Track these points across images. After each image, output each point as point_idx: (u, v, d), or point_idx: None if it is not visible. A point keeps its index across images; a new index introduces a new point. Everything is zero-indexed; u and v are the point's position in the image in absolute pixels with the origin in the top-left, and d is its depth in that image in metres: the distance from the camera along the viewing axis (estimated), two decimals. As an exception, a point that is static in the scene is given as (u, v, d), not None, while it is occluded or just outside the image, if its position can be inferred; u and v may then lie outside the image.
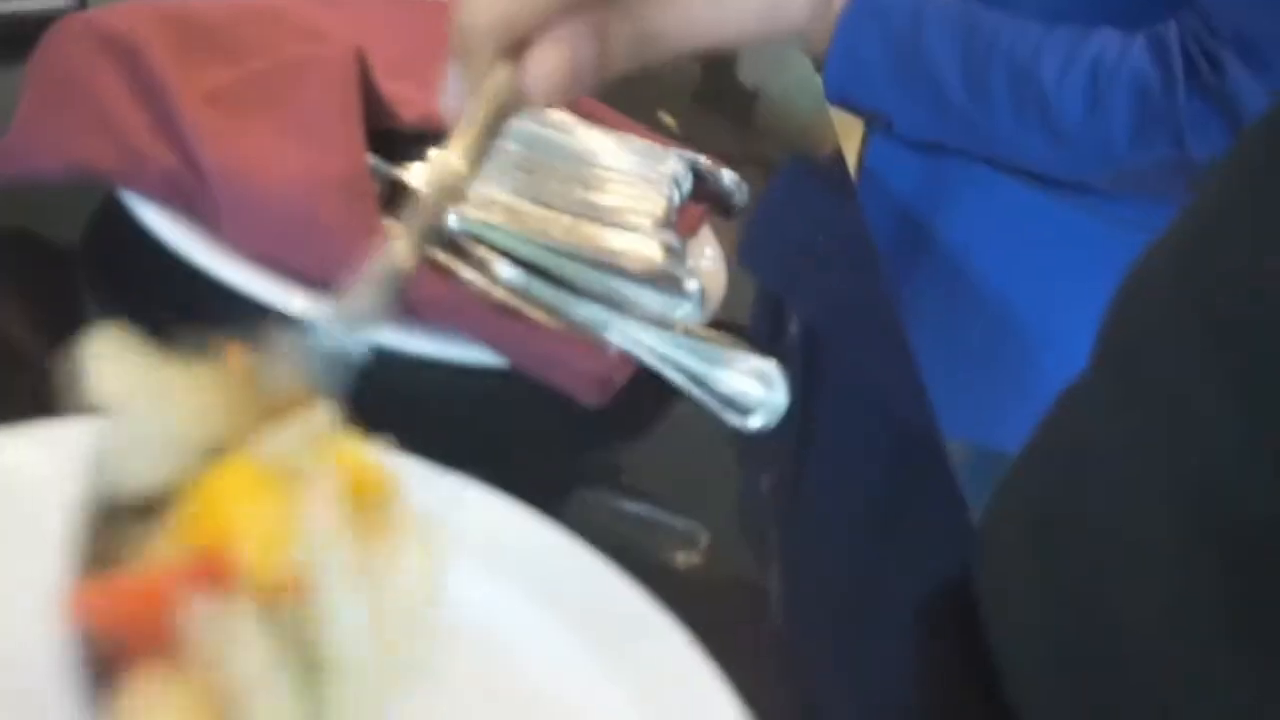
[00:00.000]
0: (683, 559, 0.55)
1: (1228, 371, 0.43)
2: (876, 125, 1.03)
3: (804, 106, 1.16)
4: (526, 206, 0.60)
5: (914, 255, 0.99)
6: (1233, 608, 0.42)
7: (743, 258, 0.81)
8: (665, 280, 0.55)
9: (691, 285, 0.55)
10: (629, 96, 1.24)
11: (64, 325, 0.39)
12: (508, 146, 0.65)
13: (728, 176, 0.75)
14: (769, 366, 0.51)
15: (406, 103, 0.63)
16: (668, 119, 1.15)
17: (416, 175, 0.58)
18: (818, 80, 1.00)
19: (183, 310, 0.50)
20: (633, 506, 0.58)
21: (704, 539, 0.56)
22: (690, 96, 1.25)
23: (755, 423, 0.51)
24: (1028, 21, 0.88)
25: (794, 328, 0.88)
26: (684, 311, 0.55)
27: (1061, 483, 0.53)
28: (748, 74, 1.28)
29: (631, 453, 0.61)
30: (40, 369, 0.39)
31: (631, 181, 0.67)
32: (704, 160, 0.75)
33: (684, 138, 0.91)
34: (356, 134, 0.53)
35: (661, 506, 0.57)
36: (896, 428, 0.78)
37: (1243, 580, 0.41)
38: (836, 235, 0.95)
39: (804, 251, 0.90)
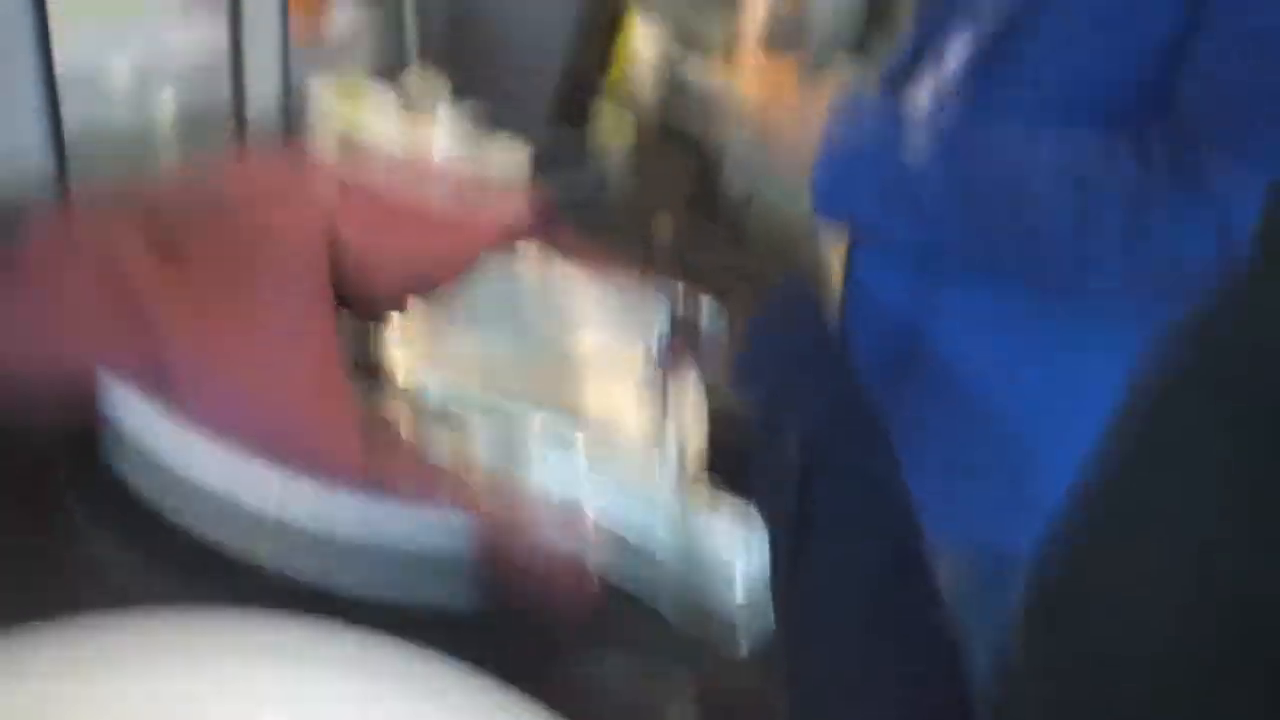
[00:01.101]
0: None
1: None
2: (861, 236, 1.03)
3: (794, 215, 1.16)
4: (504, 364, 0.60)
5: (904, 365, 0.98)
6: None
7: (731, 379, 0.81)
8: (646, 442, 0.55)
9: (671, 450, 0.55)
10: (626, 202, 1.26)
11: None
12: (485, 295, 0.65)
13: (707, 308, 0.75)
14: (749, 534, 0.51)
15: (383, 263, 0.63)
16: (662, 227, 1.15)
17: (390, 332, 0.59)
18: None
19: (157, 508, 0.50)
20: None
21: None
22: (686, 202, 1.27)
23: (737, 597, 0.51)
24: (1010, 128, 0.88)
25: (784, 445, 0.88)
26: (665, 471, 0.54)
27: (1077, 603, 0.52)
28: (738, 182, 1.29)
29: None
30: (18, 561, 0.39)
31: (611, 326, 0.68)
32: (683, 293, 0.75)
33: (674, 250, 0.92)
34: (326, 319, 0.54)
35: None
36: (887, 538, 0.77)
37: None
38: (823, 353, 0.95)
39: (791, 371, 0.90)
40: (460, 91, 1.31)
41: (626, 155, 1.51)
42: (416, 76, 1.27)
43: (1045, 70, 0.93)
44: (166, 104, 1.00)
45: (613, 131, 1.72)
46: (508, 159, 1.24)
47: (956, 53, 0.96)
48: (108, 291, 0.52)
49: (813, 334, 0.96)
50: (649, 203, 1.38)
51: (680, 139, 1.52)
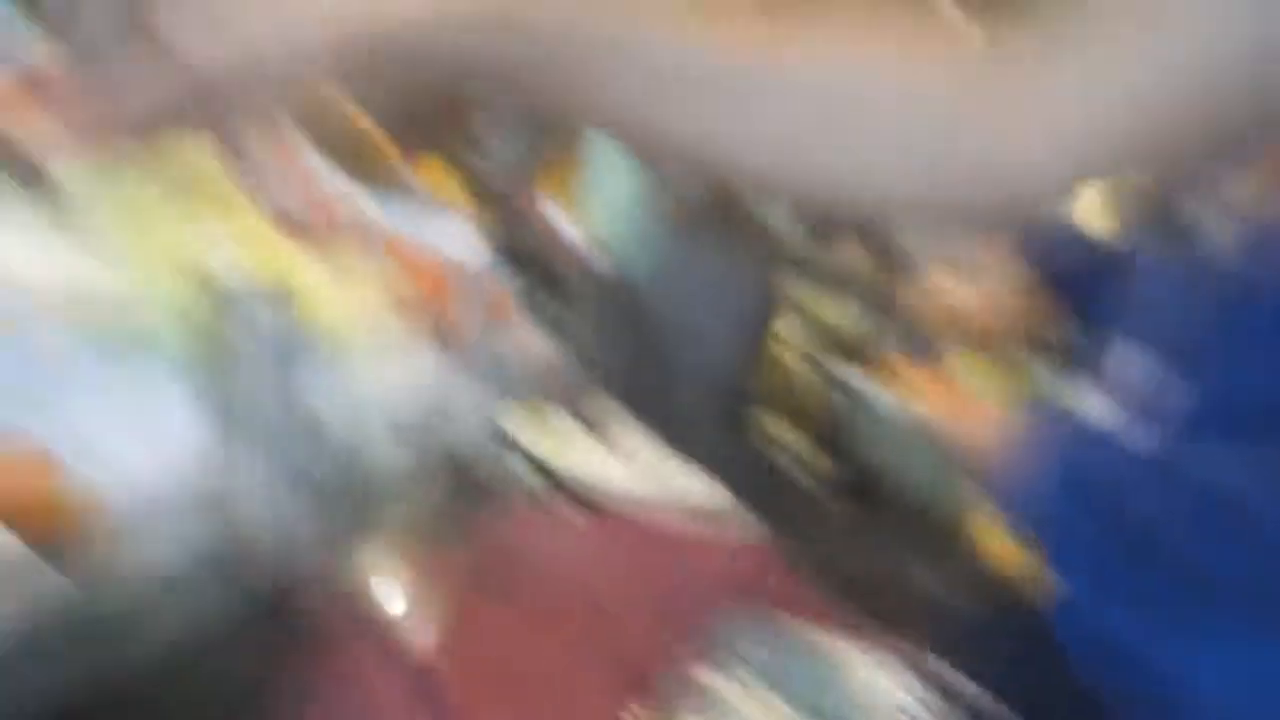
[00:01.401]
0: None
1: None
2: (1073, 565, 1.01)
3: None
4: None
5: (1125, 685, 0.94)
6: None
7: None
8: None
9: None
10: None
11: None
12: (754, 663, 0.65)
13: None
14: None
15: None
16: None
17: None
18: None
19: None
20: None
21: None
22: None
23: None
24: (1213, 449, 0.87)
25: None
26: None
27: None
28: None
29: None
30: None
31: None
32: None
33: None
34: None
35: None
36: None
37: None
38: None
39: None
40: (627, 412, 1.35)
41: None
42: (594, 402, 1.32)
43: (1238, 389, 0.93)
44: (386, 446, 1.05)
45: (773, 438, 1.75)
46: (701, 489, 1.26)
47: (1132, 363, 0.97)
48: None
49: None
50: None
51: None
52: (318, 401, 0.74)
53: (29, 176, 0.94)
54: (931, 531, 1.26)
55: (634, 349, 1.68)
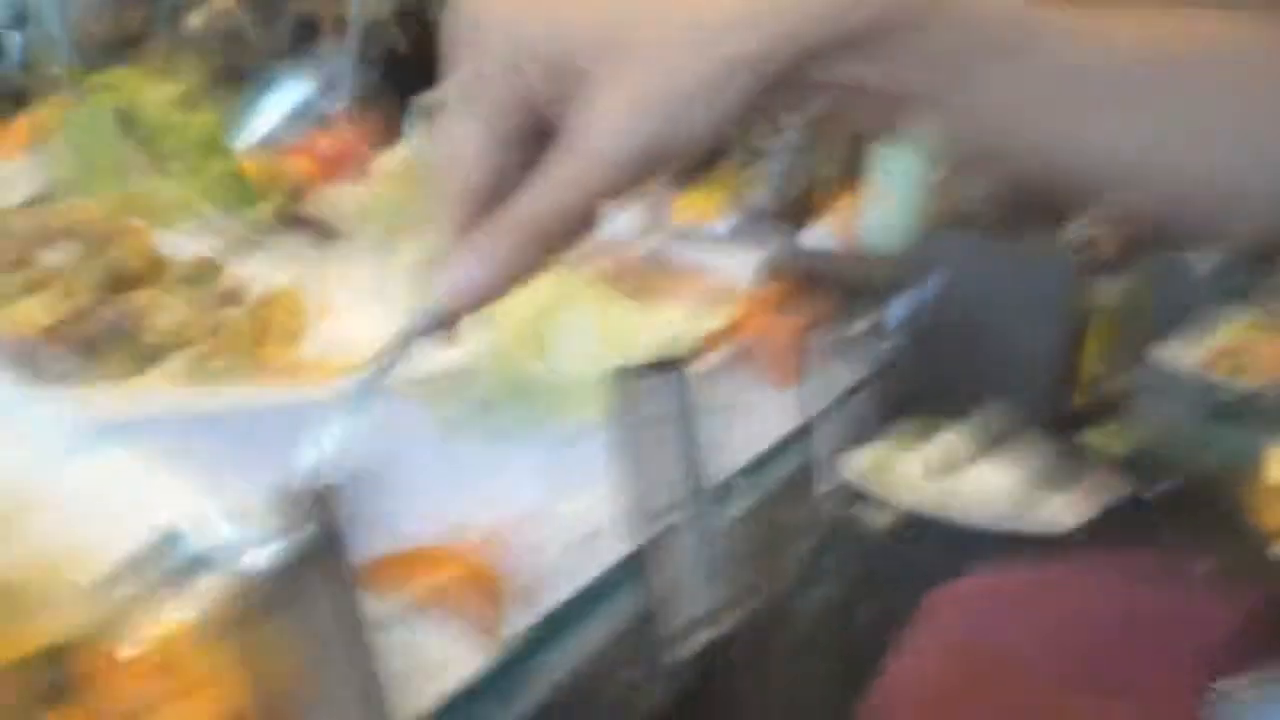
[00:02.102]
0: None
1: None
2: None
3: None
4: None
5: None
6: None
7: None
8: None
9: None
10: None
11: None
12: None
13: None
14: None
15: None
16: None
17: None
18: None
19: None
20: None
21: None
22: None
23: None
24: None
25: None
26: None
27: None
28: None
29: None
30: None
31: None
32: None
33: None
34: None
35: None
36: None
37: None
38: None
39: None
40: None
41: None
42: (946, 436, 1.22)
43: None
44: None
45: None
46: (1067, 509, 1.14)
47: None
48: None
49: None
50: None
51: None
52: (719, 464, 0.69)
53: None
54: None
55: (946, 364, 1.58)
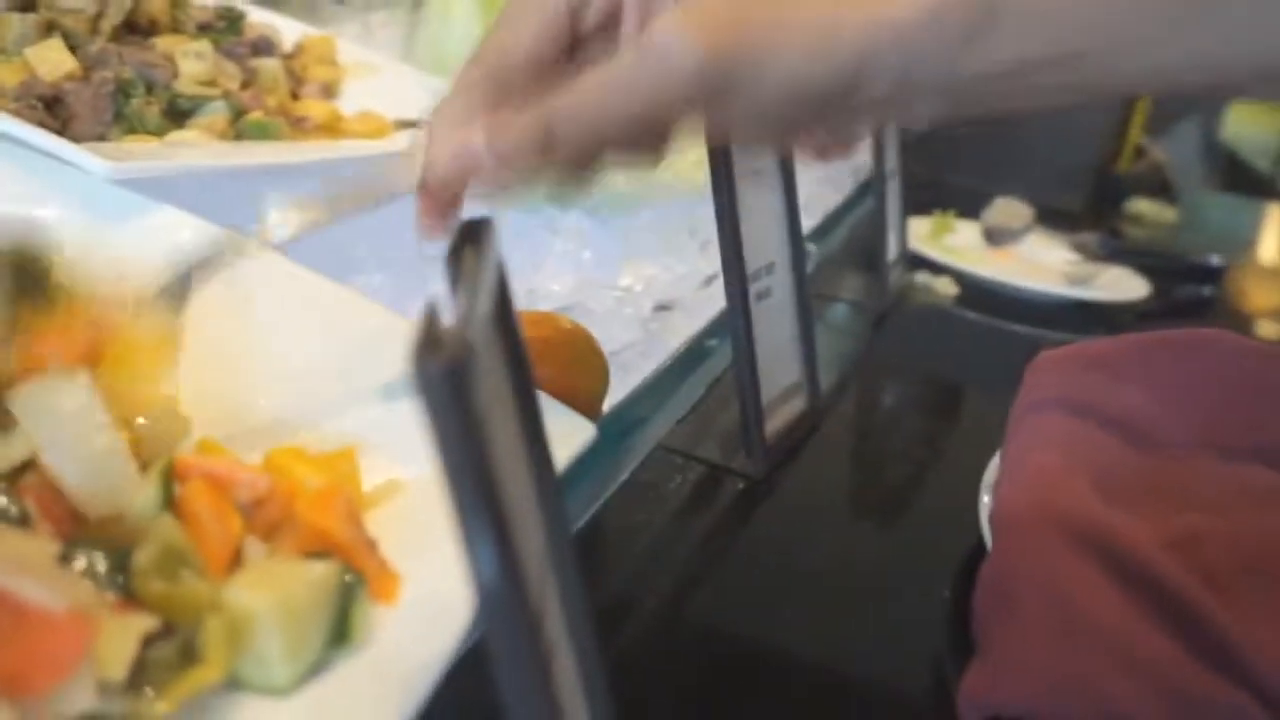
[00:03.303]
0: None
1: None
2: None
3: None
4: None
5: None
6: None
7: None
8: None
9: None
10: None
11: None
12: None
13: None
14: None
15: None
16: None
17: None
18: None
19: None
20: None
21: None
22: None
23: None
24: None
25: None
26: None
27: None
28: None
29: None
30: None
31: None
32: None
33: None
34: None
35: None
36: None
37: None
38: None
39: None
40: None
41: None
42: (1000, 205, 1.16)
43: None
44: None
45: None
46: (1124, 283, 1.10)
47: None
48: (1142, 606, 0.42)
49: None
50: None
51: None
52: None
53: None
54: None
55: (994, 137, 1.51)
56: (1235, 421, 0.58)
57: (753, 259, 0.60)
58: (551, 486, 0.30)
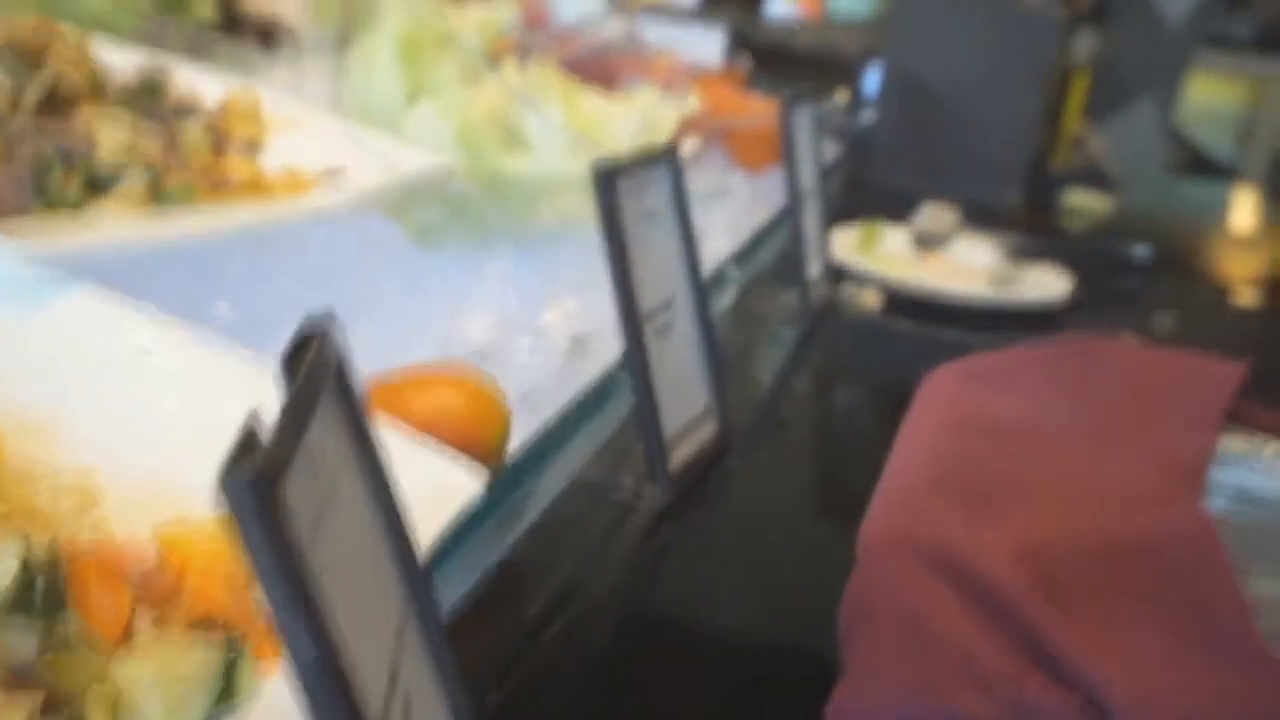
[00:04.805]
0: None
1: None
2: None
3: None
4: None
5: None
6: None
7: None
8: None
9: None
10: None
11: None
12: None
13: None
14: None
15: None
16: None
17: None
18: None
19: None
20: None
21: None
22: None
23: None
24: None
25: None
26: None
27: None
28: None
29: None
30: None
31: None
32: None
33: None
34: (1253, 635, 0.45)
35: None
36: None
37: None
38: None
39: None
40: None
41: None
42: (928, 210, 1.20)
43: None
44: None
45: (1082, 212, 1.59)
46: (1049, 283, 1.14)
47: None
48: (968, 606, 0.46)
49: None
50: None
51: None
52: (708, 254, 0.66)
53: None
54: None
55: (925, 135, 1.54)
56: (1124, 422, 0.62)
57: (651, 296, 0.63)
58: (415, 565, 0.32)
